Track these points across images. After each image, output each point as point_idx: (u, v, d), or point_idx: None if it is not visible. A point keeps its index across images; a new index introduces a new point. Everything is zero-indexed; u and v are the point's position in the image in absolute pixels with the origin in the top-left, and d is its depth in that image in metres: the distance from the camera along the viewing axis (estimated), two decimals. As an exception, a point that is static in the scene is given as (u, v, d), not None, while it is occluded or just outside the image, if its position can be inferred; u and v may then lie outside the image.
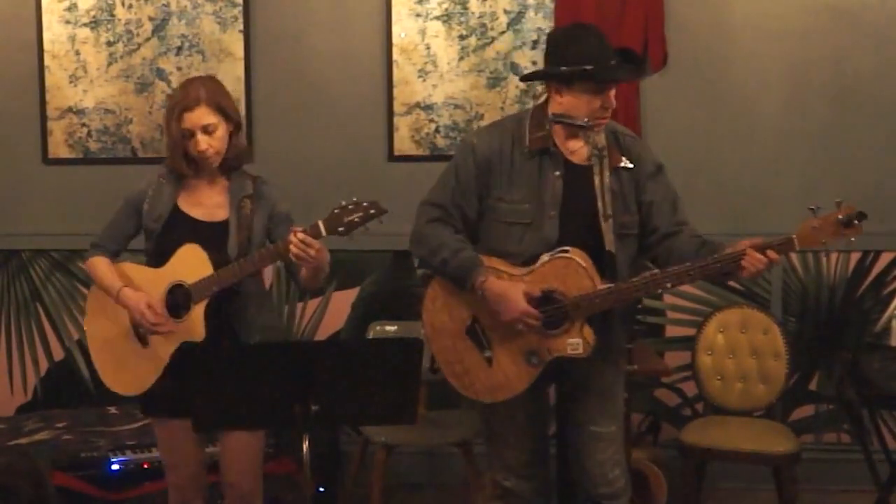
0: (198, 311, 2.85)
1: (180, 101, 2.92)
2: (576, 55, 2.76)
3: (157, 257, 2.94)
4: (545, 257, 2.78)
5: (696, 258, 2.72)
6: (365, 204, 2.72)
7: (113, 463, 3.70)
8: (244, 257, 2.86)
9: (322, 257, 2.76)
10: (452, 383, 2.90)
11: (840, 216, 2.64)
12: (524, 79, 2.97)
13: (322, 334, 4.47)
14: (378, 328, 4.15)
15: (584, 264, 2.75)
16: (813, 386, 4.30)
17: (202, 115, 2.89)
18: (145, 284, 2.94)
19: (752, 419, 3.93)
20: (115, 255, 3.05)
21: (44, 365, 4.62)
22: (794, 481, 3.67)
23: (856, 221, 2.63)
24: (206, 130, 2.89)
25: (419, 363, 2.53)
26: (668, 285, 2.75)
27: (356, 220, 2.71)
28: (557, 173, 2.82)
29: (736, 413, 3.93)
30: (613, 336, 2.89)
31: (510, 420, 2.94)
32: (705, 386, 3.98)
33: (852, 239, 2.65)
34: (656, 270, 2.77)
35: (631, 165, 2.85)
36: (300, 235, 2.70)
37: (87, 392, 4.54)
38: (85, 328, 3.16)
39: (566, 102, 2.79)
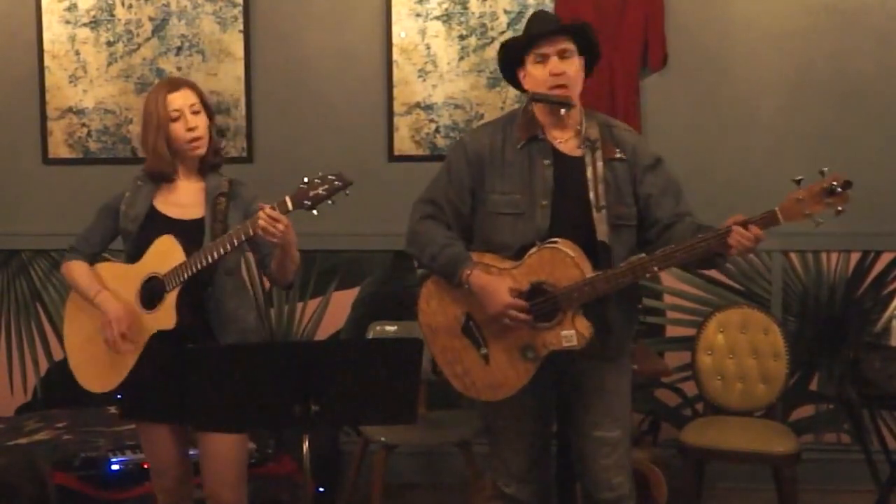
0: (170, 300, 2.84)
1: (163, 88, 2.93)
2: (524, 34, 2.89)
3: (135, 257, 2.93)
4: (533, 249, 2.77)
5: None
6: (330, 177, 2.72)
7: (113, 463, 3.70)
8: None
9: (289, 235, 2.76)
10: (454, 384, 2.90)
11: (824, 185, 2.58)
12: (506, 79, 2.99)
13: (322, 334, 4.47)
14: (378, 328, 4.15)
15: (572, 254, 2.73)
16: (813, 386, 4.30)
17: (187, 95, 2.91)
18: (120, 281, 2.93)
19: (752, 419, 3.93)
20: (92, 259, 3.04)
21: (44, 365, 4.62)
22: (794, 481, 3.66)
23: (839, 189, 2.57)
24: (194, 111, 2.91)
25: (419, 363, 2.52)
26: (656, 268, 2.71)
27: (322, 192, 2.71)
28: (547, 162, 2.83)
29: (736, 413, 3.93)
30: (613, 336, 2.87)
31: (512, 422, 2.94)
32: (705, 386, 3.98)
33: (839, 208, 2.58)
34: (643, 254, 2.76)
35: (625, 157, 2.85)
36: (268, 210, 2.71)
37: (87, 392, 4.52)
38: (64, 338, 3.12)
39: (529, 83, 2.86)
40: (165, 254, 2.85)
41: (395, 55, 4.35)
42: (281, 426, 3.34)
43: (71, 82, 4.50)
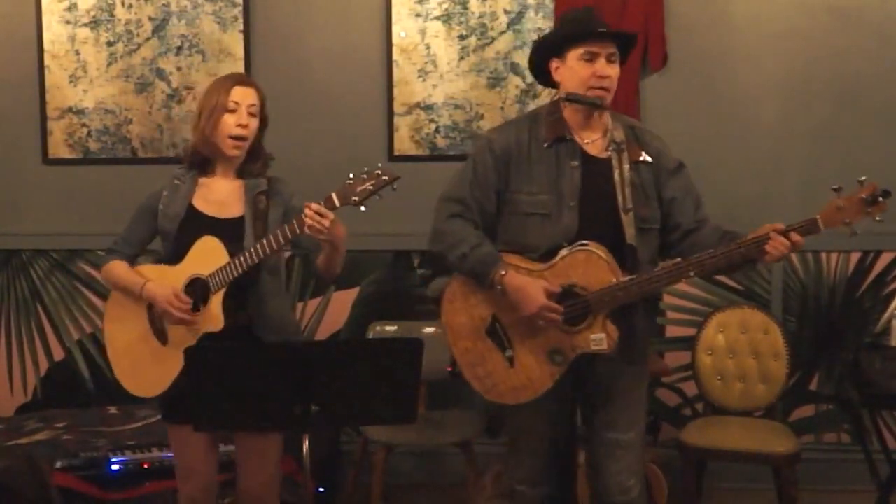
0: (216, 302, 2.82)
1: (232, 78, 2.94)
2: (565, 26, 2.85)
3: (175, 257, 2.91)
4: (564, 251, 2.75)
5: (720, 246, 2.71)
6: (377, 171, 2.71)
7: (113, 463, 3.69)
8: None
9: (336, 231, 2.74)
10: (474, 386, 2.85)
11: (864, 195, 2.62)
12: (531, 65, 2.94)
13: (322, 334, 4.47)
14: (378, 328, 4.15)
15: (605, 257, 2.72)
16: (813, 386, 4.30)
17: (252, 95, 2.92)
18: (163, 282, 2.89)
19: (752, 419, 3.93)
20: (132, 261, 3.00)
21: (44, 365, 4.62)
22: (794, 481, 3.66)
23: (880, 199, 2.61)
24: (250, 112, 2.90)
25: (419, 363, 2.52)
26: (692, 273, 2.71)
27: (370, 188, 2.70)
28: (575, 163, 2.80)
29: (736, 413, 3.93)
30: (637, 338, 2.86)
31: (532, 425, 2.91)
32: (705, 386, 3.99)
33: (878, 218, 2.63)
34: (679, 259, 2.75)
35: (650, 160, 2.85)
36: (314, 207, 2.69)
37: (87, 392, 4.54)
38: (106, 341, 3.05)
39: (565, 76, 2.82)
40: (208, 255, 2.83)
41: (395, 55, 4.35)
42: (281, 426, 3.34)
43: (71, 82, 4.50)
